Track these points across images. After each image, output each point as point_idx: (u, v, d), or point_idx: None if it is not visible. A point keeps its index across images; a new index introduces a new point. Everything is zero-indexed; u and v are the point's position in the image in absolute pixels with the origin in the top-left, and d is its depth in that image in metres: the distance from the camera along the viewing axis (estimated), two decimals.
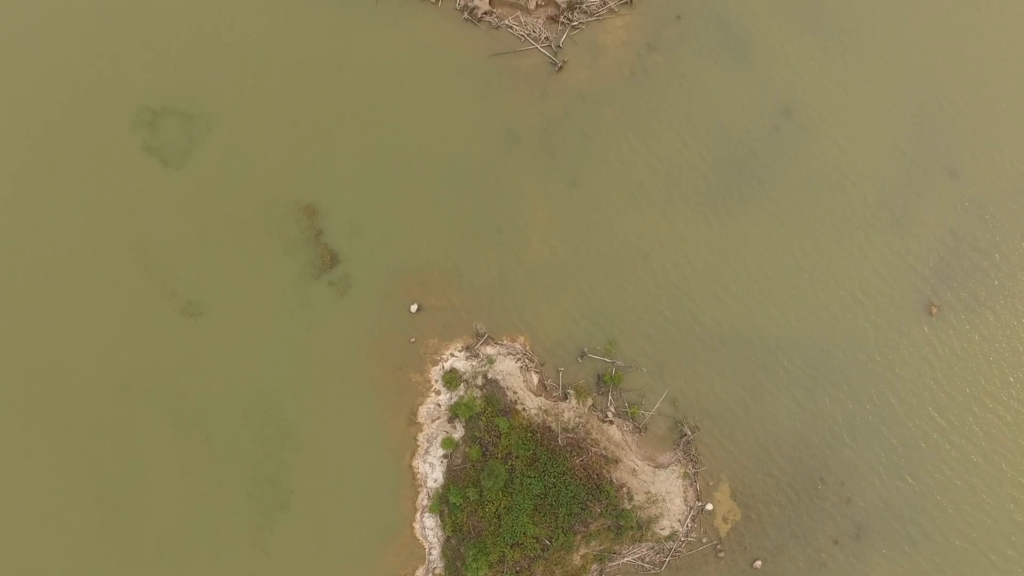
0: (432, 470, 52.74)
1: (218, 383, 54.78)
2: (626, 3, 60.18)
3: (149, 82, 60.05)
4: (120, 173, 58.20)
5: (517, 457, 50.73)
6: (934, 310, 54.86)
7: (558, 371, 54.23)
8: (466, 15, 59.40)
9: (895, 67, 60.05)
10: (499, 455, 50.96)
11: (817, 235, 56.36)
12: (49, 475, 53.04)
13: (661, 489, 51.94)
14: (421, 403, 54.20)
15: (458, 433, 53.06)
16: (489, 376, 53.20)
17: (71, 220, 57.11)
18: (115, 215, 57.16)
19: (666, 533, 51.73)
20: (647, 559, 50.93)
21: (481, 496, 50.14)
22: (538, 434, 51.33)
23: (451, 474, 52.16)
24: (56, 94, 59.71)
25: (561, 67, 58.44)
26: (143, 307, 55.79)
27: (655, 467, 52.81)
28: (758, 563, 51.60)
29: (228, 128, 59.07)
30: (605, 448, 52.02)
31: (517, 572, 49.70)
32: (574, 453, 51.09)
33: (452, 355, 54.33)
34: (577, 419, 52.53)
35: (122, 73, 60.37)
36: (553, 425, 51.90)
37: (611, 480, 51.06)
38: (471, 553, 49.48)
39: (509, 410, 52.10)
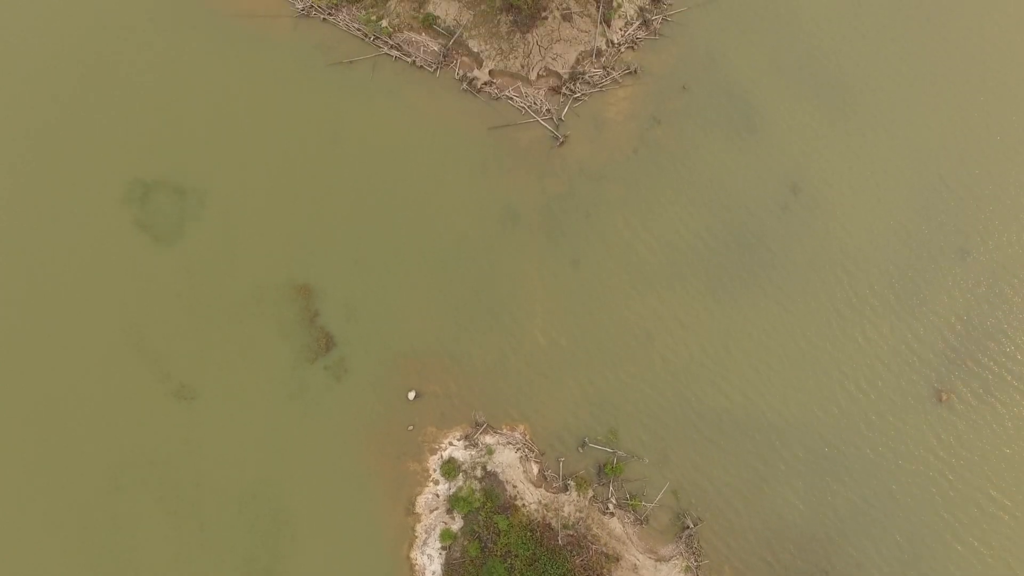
0: (431, 562, 52.11)
1: (212, 470, 54.26)
2: (630, 73, 58.70)
3: (141, 154, 59.55)
4: (111, 249, 57.76)
5: (516, 556, 50.25)
6: (943, 398, 54.04)
7: (558, 461, 53.54)
8: (465, 85, 58.10)
9: (905, 144, 59.46)
10: (498, 553, 50.44)
11: (822, 320, 55.58)
12: (38, 566, 52.13)
13: None
14: (419, 493, 53.56)
15: (457, 524, 52.46)
16: (488, 468, 52.49)
17: (60, 298, 57.14)
18: (106, 294, 56.76)
19: None
20: None
21: None
22: (538, 532, 50.76)
23: (449, 567, 51.64)
24: (46, 164, 59.76)
25: (563, 141, 57.35)
26: (135, 390, 55.34)
27: (656, 560, 52.18)
28: None
29: (221, 203, 58.27)
30: (606, 544, 51.38)
31: None
32: (574, 552, 50.47)
33: (451, 444, 53.64)
34: (578, 513, 51.85)
35: (113, 144, 60.25)
36: (553, 522, 51.27)
37: None
38: None
39: (508, 506, 51.44)
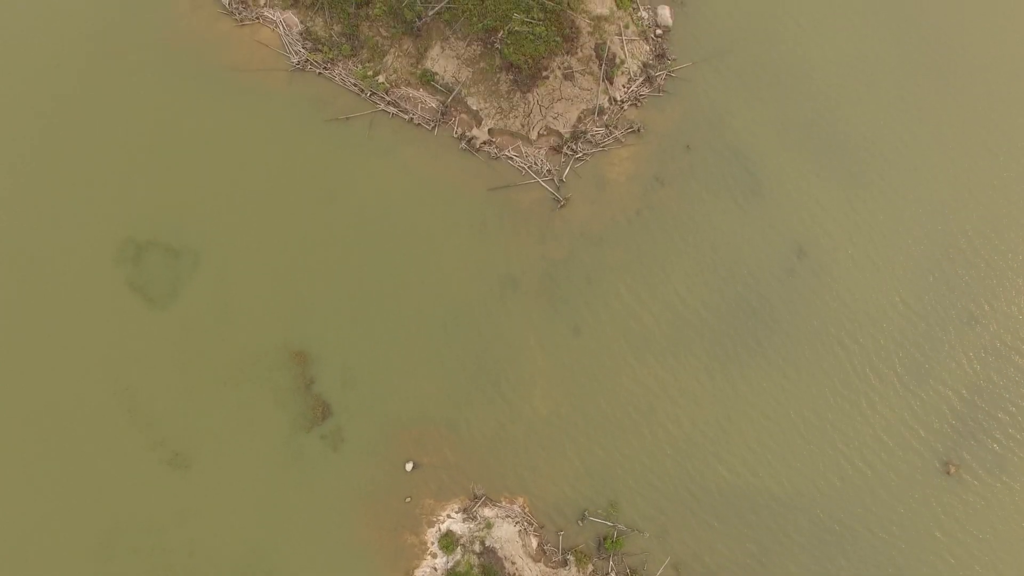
0: None
1: (206, 539, 53.90)
2: (633, 132, 57.32)
3: (133, 212, 59.25)
4: (103, 311, 57.77)
5: None
6: (951, 471, 53.33)
7: (558, 534, 52.89)
8: (464, 144, 57.10)
9: (913, 208, 59.78)
10: None
11: (828, 389, 55.33)
12: None
13: None
14: (417, 566, 53.12)
15: None
16: (487, 543, 51.76)
17: (52, 361, 57.43)
18: (98, 357, 56.44)
19: None
20: None
21: None
22: None
23: None
24: (36, 222, 59.80)
25: (564, 204, 55.79)
26: (128, 457, 55.10)
27: None
28: None
29: (215, 265, 57.74)
30: None
31: None
32: None
33: (449, 516, 53.01)
34: None
35: (105, 201, 59.96)
36: None
37: None
38: None
39: None
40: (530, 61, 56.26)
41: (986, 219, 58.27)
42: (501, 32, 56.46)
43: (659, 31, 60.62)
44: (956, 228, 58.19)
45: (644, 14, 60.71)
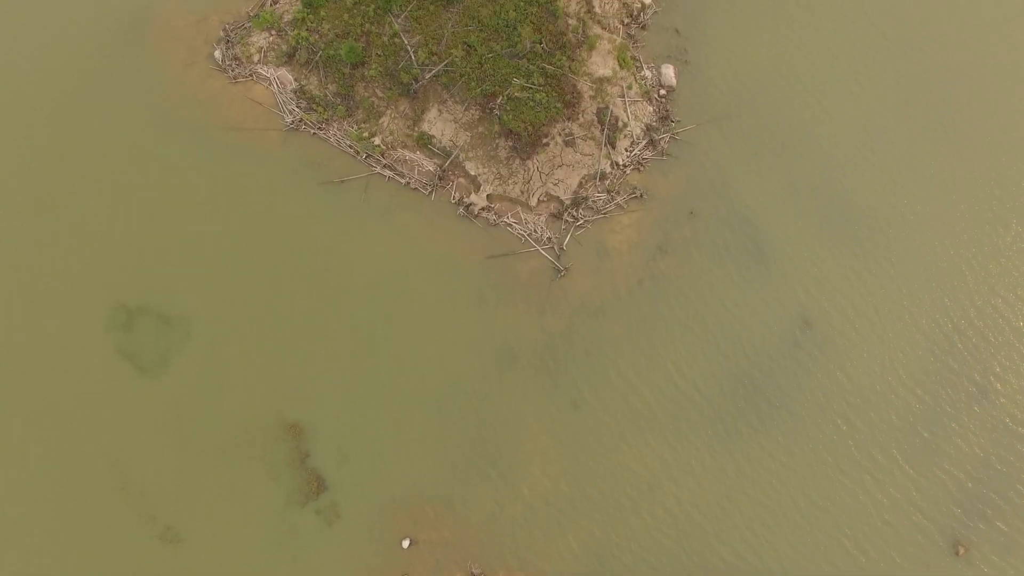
0: None
1: None
2: (636, 197, 55.77)
3: (124, 277, 58.74)
4: (92, 380, 57.74)
5: None
6: (961, 551, 52.81)
7: None
8: (462, 210, 55.71)
9: (922, 279, 58.71)
10: None
11: (832, 468, 55.32)
12: None
13: None
14: None
15: None
16: None
17: (38, 431, 56.83)
18: (87, 427, 56.53)
19: None
20: None
21: None
22: None
23: None
24: (23, 286, 59.01)
25: (564, 273, 54.42)
26: (118, 532, 55.32)
27: None
28: None
29: (208, 333, 57.40)
30: None
31: None
32: None
33: None
34: None
35: (95, 266, 59.21)
36: None
37: None
38: None
39: None
40: (530, 128, 55.15)
41: (996, 291, 57.33)
42: (500, 98, 55.29)
43: (663, 91, 59.25)
44: (966, 299, 57.29)
45: (648, 73, 59.38)
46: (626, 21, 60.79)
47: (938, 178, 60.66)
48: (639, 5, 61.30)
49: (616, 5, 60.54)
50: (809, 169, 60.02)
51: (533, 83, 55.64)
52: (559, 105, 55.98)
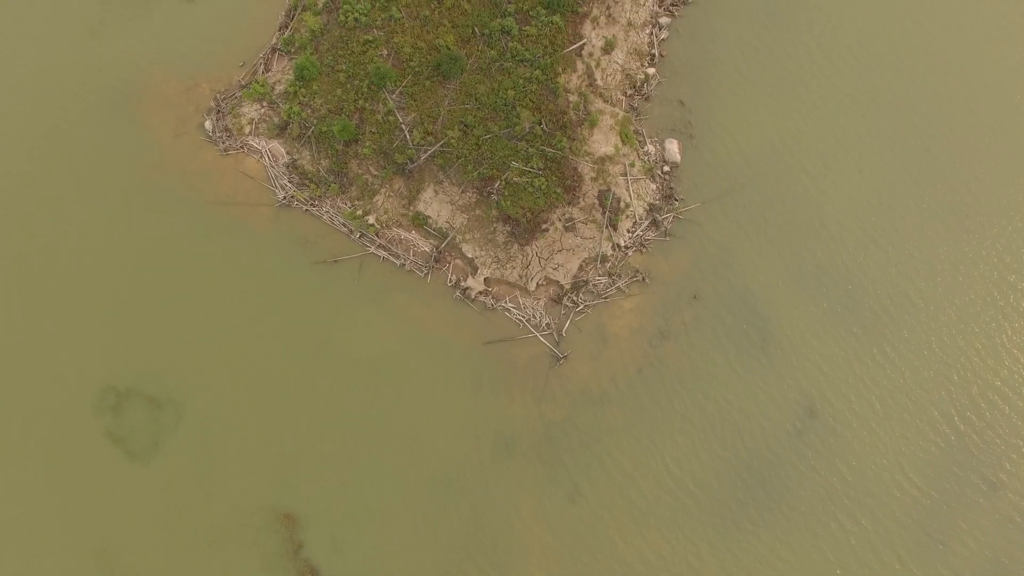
0: None
1: None
2: (638, 281, 54.26)
3: (113, 358, 58.41)
4: (81, 464, 58.03)
5: None
6: None
7: None
8: (458, 293, 53.97)
9: (930, 364, 57.07)
10: None
11: (836, 564, 53.01)
12: None
13: None
14: None
15: None
16: None
17: (26, 516, 55.19)
18: (76, 513, 56.76)
19: None
20: None
21: None
22: None
23: None
24: (10, 368, 57.09)
25: (563, 360, 53.14)
26: None
27: None
28: None
29: (198, 418, 57.37)
30: None
31: None
32: None
33: None
34: None
35: (83, 346, 58.39)
36: None
37: None
38: None
39: None
40: (529, 215, 53.89)
41: (1006, 381, 56.02)
42: (498, 182, 53.76)
43: (666, 168, 57.80)
44: (974, 389, 56.03)
45: (651, 148, 57.95)
46: (629, 92, 59.33)
47: (946, 260, 59.84)
48: (642, 76, 59.87)
49: (619, 76, 58.92)
50: (815, 249, 59.31)
51: (532, 167, 54.61)
52: (559, 190, 55.00)
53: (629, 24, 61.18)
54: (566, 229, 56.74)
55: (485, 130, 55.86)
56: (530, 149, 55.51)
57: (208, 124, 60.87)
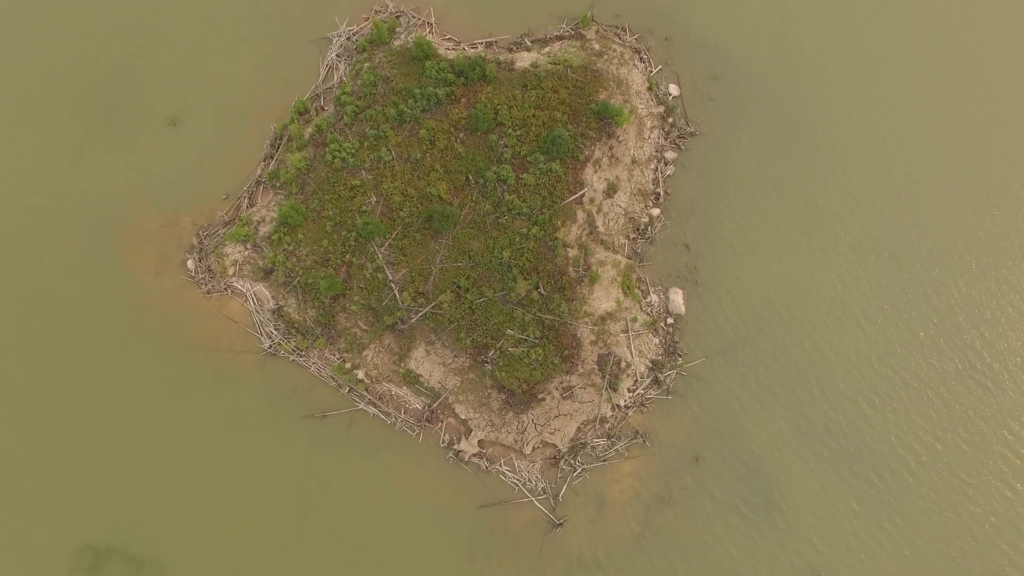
0: None
1: None
2: (638, 443, 52.18)
3: (90, 514, 56.22)
4: None
5: None
6: None
7: None
8: (451, 455, 51.84)
9: (939, 532, 54.31)
10: None
11: None
12: None
13: None
14: None
15: None
16: None
17: None
18: None
19: None
20: None
21: None
22: None
23: None
24: None
25: (560, 525, 51.16)
26: None
27: None
28: None
29: None
30: None
31: None
32: None
33: None
34: None
35: (60, 502, 56.27)
36: None
37: None
38: None
39: None
40: (525, 386, 51.06)
41: (1012, 559, 53.65)
42: (492, 350, 50.87)
43: (670, 320, 55.27)
44: (994, 563, 53.63)
45: (654, 298, 55.37)
46: (632, 236, 56.56)
47: (961, 417, 57.24)
48: (647, 218, 56.89)
49: (621, 220, 56.07)
50: (822, 403, 57.36)
51: (528, 335, 52.14)
52: (557, 360, 52.95)
53: (633, 162, 58.57)
54: (564, 397, 54.56)
55: (479, 294, 53.53)
56: (526, 316, 53.13)
57: (190, 263, 58.59)
